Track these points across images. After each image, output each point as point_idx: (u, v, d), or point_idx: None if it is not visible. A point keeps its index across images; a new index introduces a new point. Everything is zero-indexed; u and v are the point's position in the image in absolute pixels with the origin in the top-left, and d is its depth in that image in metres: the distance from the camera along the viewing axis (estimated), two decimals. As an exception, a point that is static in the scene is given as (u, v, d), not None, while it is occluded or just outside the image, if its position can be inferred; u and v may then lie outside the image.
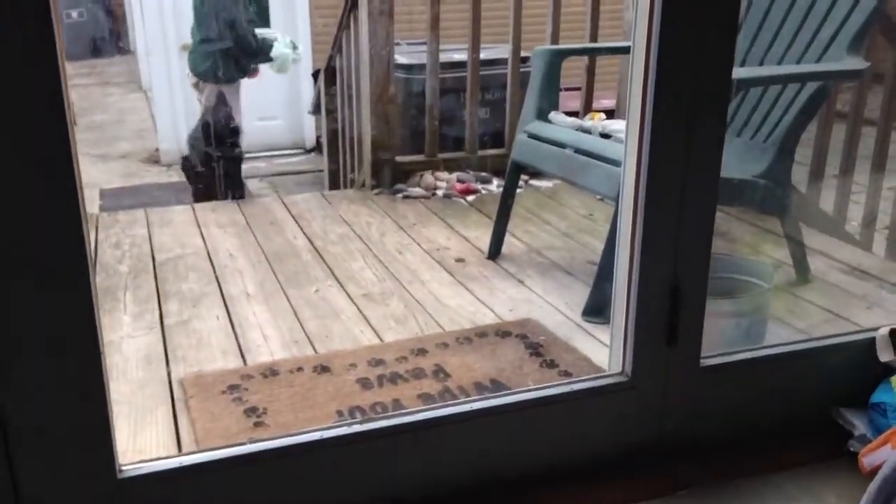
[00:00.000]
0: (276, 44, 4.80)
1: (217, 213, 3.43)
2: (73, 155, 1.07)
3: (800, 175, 2.93)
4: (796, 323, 2.31)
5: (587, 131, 2.61)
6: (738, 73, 2.26)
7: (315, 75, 5.33)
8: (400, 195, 3.60)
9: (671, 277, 1.43)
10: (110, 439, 1.22)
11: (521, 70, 3.66)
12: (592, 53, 3.68)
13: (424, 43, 3.65)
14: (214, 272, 2.77)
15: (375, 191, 3.65)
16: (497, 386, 1.96)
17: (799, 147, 2.51)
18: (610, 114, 3.48)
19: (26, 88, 1.02)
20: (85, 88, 9.87)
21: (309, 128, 6.95)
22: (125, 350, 2.19)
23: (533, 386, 1.76)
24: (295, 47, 4.98)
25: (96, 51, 11.02)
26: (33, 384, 1.15)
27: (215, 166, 4.63)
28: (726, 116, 1.46)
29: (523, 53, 3.83)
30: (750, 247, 2.94)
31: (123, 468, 1.26)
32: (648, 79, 1.35)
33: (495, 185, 3.64)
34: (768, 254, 2.82)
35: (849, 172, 3.00)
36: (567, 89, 3.93)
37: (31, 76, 1.02)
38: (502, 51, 3.93)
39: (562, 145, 2.58)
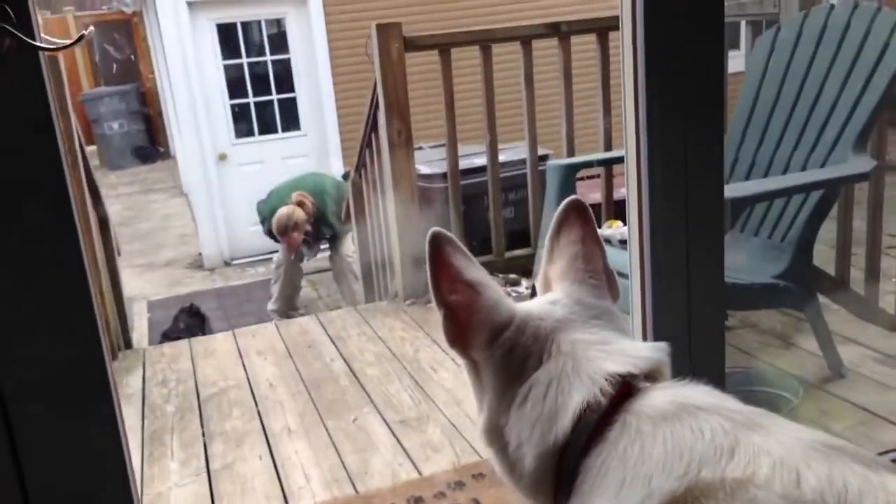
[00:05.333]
0: None
1: (257, 339, 3.55)
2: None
3: (827, 256, 2.94)
4: (832, 425, 2.30)
5: (607, 241, 2.67)
6: (736, 191, 2.30)
7: (345, 176, 5.50)
8: (432, 304, 3.67)
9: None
10: None
11: (541, 168, 3.74)
12: (604, 164, 3.65)
13: (445, 146, 3.76)
14: (256, 406, 2.86)
15: (408, 301, 3.74)
16: (534, 521, 1.99)
17: (823, 226, 2.52)
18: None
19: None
20: (129, 197, 10.24)
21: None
22: (174, 502, 2.27)
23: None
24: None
25: (138, 158, 11.48)
26: None
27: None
28: (722, 189, 1.45)
29: (541, 151, 3.94)
30: (781, 338, 2.93)
31: None
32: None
33: (524, 287, 3.70)
34: (798, 344, 2.82)
35: (874, 252, 3.00)
36: (586, 178, 3.99)
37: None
38: (521, 150, 4.03)
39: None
